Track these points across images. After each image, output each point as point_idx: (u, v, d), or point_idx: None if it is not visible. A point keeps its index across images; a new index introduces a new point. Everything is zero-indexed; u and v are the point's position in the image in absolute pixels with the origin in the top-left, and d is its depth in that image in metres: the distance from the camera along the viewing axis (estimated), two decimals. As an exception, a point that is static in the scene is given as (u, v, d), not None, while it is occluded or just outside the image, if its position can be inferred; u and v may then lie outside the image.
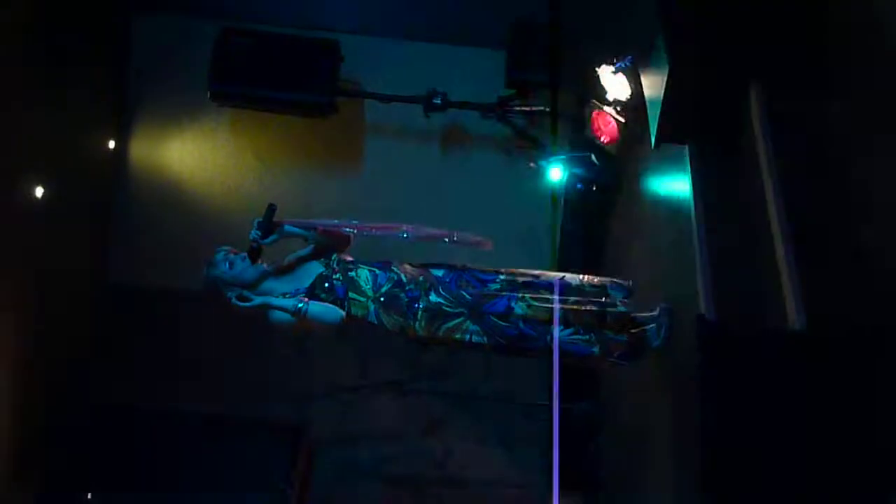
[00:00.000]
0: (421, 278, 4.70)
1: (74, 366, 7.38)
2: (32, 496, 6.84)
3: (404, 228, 4.89)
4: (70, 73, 7.11)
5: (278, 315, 4.70)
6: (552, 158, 7.01)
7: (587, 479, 6.65)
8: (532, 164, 7.05)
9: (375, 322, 4.71)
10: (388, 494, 7.15)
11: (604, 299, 4.66)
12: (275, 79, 7.13)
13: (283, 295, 4.73)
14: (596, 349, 4.60)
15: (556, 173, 6.97)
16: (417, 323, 4.64)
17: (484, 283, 4.68)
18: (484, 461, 7.20)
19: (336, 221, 4.90)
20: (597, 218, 7.34)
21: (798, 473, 3.25)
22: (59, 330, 7.12)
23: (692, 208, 4.58)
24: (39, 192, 6.79)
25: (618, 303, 4.67)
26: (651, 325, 4.76)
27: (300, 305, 4.63)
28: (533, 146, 7.42)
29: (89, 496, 7.05)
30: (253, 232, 4.71)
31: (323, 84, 7.14)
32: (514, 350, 4.71)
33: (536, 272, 4.79)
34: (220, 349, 7.53)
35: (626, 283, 4.81)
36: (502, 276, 4.72)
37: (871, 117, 3.97)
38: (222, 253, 4.81)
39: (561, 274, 4.80)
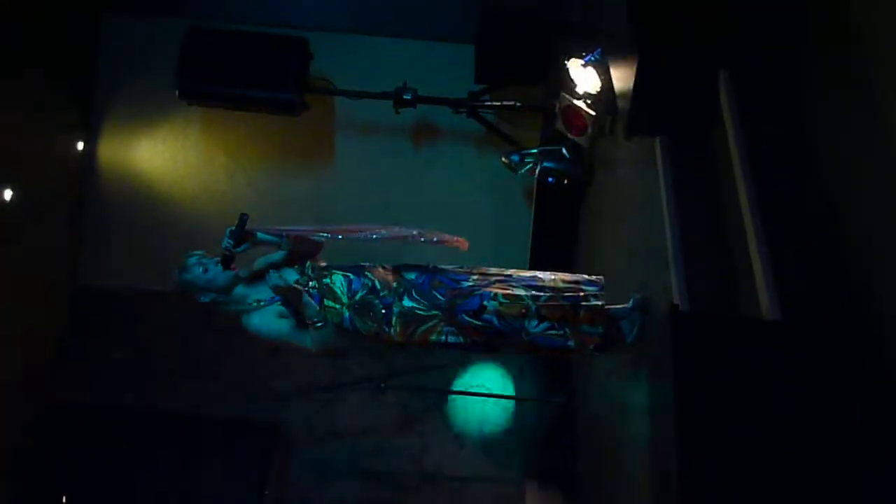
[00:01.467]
0: (395, 283, 4.68)
1: (45, 367, 7.34)
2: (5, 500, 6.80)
3: (377, 230, 4.87)
4: (38, 73, 7.07)
5: (266, 328, 4.69)
6: (523, 152, 7.02)
7: (564, 472, 6.69)
8: (503, 159, 7.06)
9: (350, 328, 4.68)
10: (365, 491, 7.14)
11: (578, 294, 4.66)
12: (244, 77, 7.08)
13: (257, 302, 4.70)
14: (571, 343, 4.59)
15: (527, 167, 6.99)
16: (392, 329, 4.62)
17: (457, 282, 4.68)
18: (461, 456, 7.21)
19: (307, 227, 4.86)
20: (569, 211, 7.36)
21: (774, 461, 3.26)
22: (30, 331, 7.08)
23: (663, 200, 4.59)
24: (7, 194, 6.74)
25: (591, 297, 4.66)
26: (624, 320, 4.79)
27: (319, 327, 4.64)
28: (504, 141, 7.43)
29: (64, 500, 7.01)
30: (225, 241, 4.63)
31: (293, 82, 7.10)
32: (490, 347, 4.71)
33: (509, 271, 4.79)
34: (194, 349, 7.51)
35: (598, 279, 4.82)
36: (475, 276, 4.72)
37: (842, 106, 3.99)
38: (195, 258, 4.75)
39: (533, 273, 4.80)
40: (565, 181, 7.02)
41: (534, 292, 4.59)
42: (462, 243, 4.87)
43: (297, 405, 7.37)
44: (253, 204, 8.14)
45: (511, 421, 7.24)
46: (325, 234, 4.78)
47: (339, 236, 4.78)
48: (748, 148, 4.30)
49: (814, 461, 3.29)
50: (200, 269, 4.68)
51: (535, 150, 7.01)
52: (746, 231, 4.07)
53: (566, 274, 4.81)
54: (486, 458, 7.09)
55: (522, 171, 7.03)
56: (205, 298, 4.73)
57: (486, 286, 4.62)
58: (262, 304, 4.71)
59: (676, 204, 4.59)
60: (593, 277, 4.79)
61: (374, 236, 4.85)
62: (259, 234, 4.71)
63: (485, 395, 7.09)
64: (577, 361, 5.20)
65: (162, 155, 8.20)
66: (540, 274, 4.75)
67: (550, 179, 7.03)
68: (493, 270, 4.76)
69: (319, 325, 4.60)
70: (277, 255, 4.78)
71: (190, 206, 8.15)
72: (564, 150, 6.85)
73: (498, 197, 8.02)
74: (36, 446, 7.07)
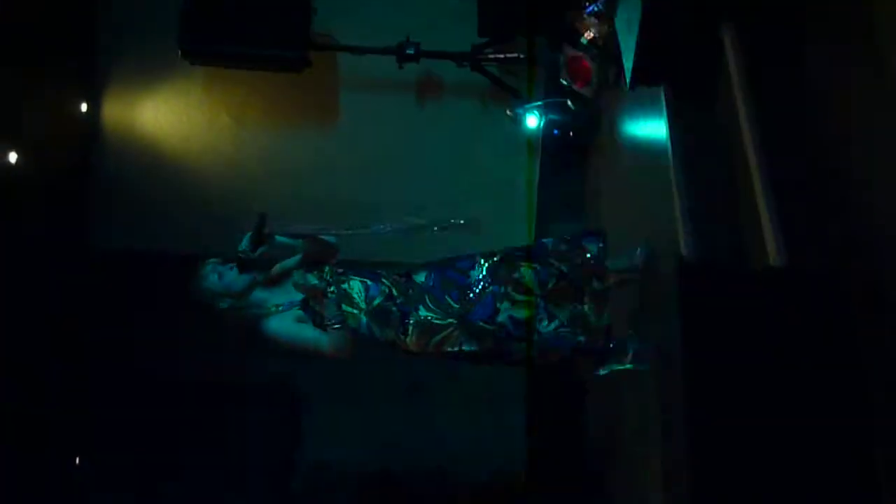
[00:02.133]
0: (410, 291, 4.72)
1: (59, 328, 7.36)
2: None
3: (388, 225, 5.02)
4: (38, 36, 7.02)
5: (285, 332, 4.72)
6: (528, 105, 6.99)
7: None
8: (508, 112, 7.03)
9: (367, 334, 4.71)
10: (371, 457, 7.17)
11: (579, 254, 4.72)
12: (246, 35, 7.03)
13: (276, 307, 4.73)
14: (581, 338, 4.64)
15: (532, 120, 6.96)
16: (409, 338, 4.67)
17: (465, 273, 4.73)
18: (466, 423, 7.22)
19: (322, 226, 4.95)
20: (574, 164, 7.34)
21: (781, 409, 3.27)
22: (39, 295, 7.09)
23: (669, 150, 4.58)
24: (13, 157, 6.73)
25: (594, 255, 4.72)
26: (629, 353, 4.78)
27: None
28: (509, 94, 7.39)
29: (77, 461, 7.08)
30: (242, 244, 4.72)
31: (295, 38, 7.05)
32: (502, 354, 4.72)
33: (510, 248, 4.84)
34: (203, 310, 7.52)
35: (599, 230, 4.83)
36: (481, 260, 4.76)
37: (847, 54, 3.97)
38: (210, 265, 4.80)
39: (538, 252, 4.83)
40: (570, 133, 7.00)
41: (539, 275, 4.66)
42: (467, 227, 5.05)
43: (306, 368, 7.37)
44: (258, 162, 8.15)
45: (517, 387, 7.24)
46: (342, 232, 4.90)
47: (350, 231, 4.92)
48: (753, 97, 4.28)
49: (822, 404, 3.30)
50: (216, 276, 4.74)
51: (539, 103, 6.98)
52: (753, 180, 4.06)
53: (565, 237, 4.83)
54: (493, 424, 7.10)
55: (527, 123, 7.00)
56: (223, 304, 4.76)
57: (495, 279, 4.67)
58: (280, 308, 4.74)
59: (682, 154, 4.57)
60: (591, 229, 4.80)
61: (387, 229, 5.03)
62: (278, 238, 4.79)
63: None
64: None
65: (165, 116, 8.16)
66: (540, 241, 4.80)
67: (555, 132, 7.01)
68: (496, 251, 4.81)
69: (337, 326, 4.63)
70: (293, 261, 4.83)
71: (195, 166, 8.13)
72: (569, 103, 6.81)
73: (503, 150, 7.98)
74: (49, 410, 7.10)
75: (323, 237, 4.89)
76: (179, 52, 7.03)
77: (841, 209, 3.86)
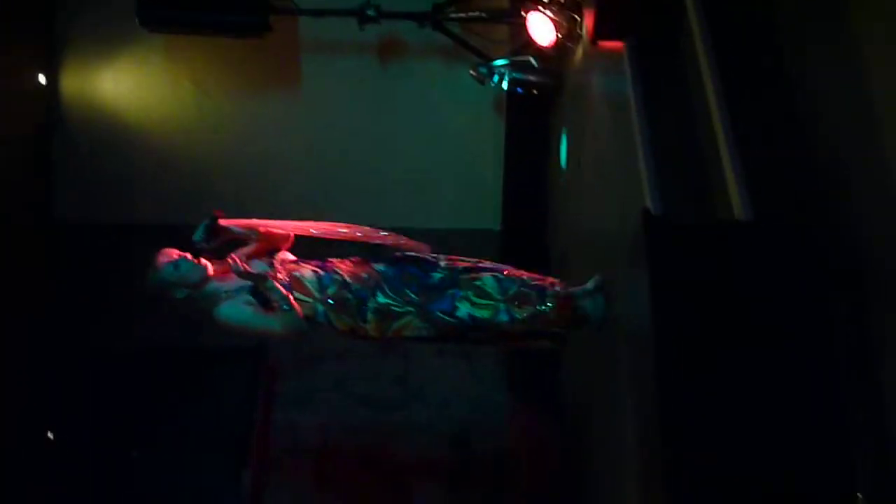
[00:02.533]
0: (365, 275, 4.79)
1: (26, 302, 7.31)
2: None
3: (346, 230, 5.04)
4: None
5: (236, 316, 4.77)
6: (491, 64, 6.96)
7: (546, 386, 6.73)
8: (472, 72, 6.99)
9: (324, 322, 4.80)
10: (350, 413, 7.18)
11: (544, 282, 4.87)
12: (205, 0, 6.97)
13: (227, 293, 4.77)
14: (537, 326, 4.83)
15: (496, 79, 6.93)
16: (368, 324, 4.76)
17: (427, 273, 4.81)
18: (444, 375, 7.23)
19: (280, 222, 4.99)
20: (540, 121, 7.32)
21: (753, 364, 3.28)
22: (4, 271, 7.04)
23: (632, 105, 4.57)
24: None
25: (555, 284, 4.87)
26: (586, 301, 4.91)
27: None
28: (472, 53, 7.34)
29: (50, 435, 7.05)
30: (197, 234, 4.75)
31: (254, 3, 6.97)
32: (463, 339, 4.90)
33: (474, 259, 4.94)
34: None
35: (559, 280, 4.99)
36: (443, 264, 4.86)
37: (810, 8, 3.97)
38: (164, 255, 4.81)
39: (500, 266, 4.95)
40: (535, 91, 6.97)
41: (502, 285, 4.78)
42: (423, 247, 5.01)
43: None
44: (222, 130, 8.10)
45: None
46: (297, 232, 4.93)
47: (313, 230, 4.95)
48: (716, 51, 4.27)
49: (791, 360, 3.31)
50: (172, 267, 4.75)
51: (503, 61, 6.94)
52: (717, 133, 4.06)
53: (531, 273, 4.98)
54: (470, 375, 7.11)
55: (492, 82, 6.97)
56: (179, 295, 4.81)
57: (456, 283, 4.78)
58: (229, 294, 4.78)
59: (646, 110, 4.56)
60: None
61: (343, 231, 5.02)
62: (232, 229, 4.84)
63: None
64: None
65: (126, 84, 8.07)
66: (506, 269, 4.92)
67: (520, 90, 6.98)
68: (461, 259, 4.92)
69: (286, 308, 4.68)
70: (246, 249, 4.90)
71: (158, 134, 8.07)
72: (533, 60, 6.79)
73: (468, 110, 7.96)
74: (18, 386, 7.06)
75: (276, 231, 4.94)
76: (137, 20, 6.93)
77: (806, 161, 3.87)
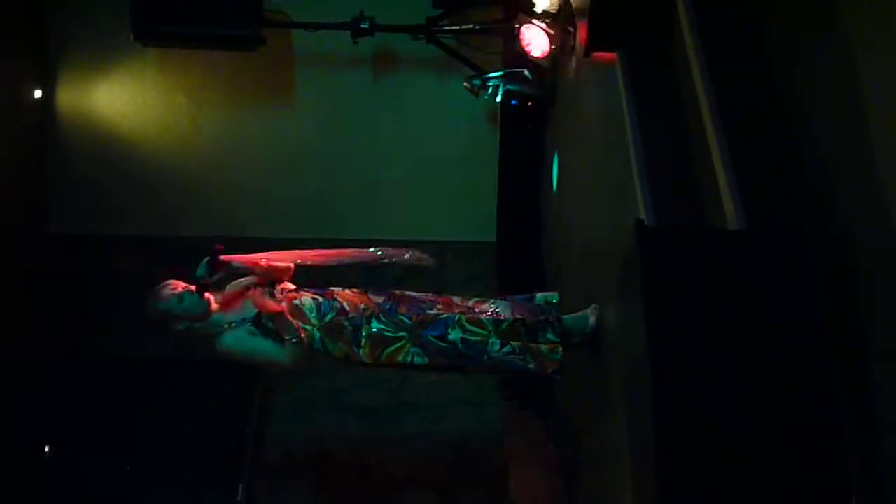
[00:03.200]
0: (363, 305, 4.87)
1: (19, 315, 7.31)
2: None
3: (345, 255, 5.12)
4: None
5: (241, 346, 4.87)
6: (485, 76, 6.98)
7: (541, 396, 6.73)
8: (466, 84, 7.01)
9: (321, 349, 4.86)
10: (345, 425, 7.18)
11: (538, 318, 4.88)
12: (199, 14, 6.96)
13: (230, 324, 4.85)
14: (531, 366, 4.83)
15: (490, 91, 6.95)
16: (361, 350, 4.81)
17: (422, 309, 4.88)
18: (439, 385, 7.23)
19: (278, 253, 5.04)
20: (534, 133, 7.34)
21: (745, 368, 3.29)
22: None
23: (626, 115, 4.58)
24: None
25: (550, 323, 4.88)
26: (580, 315, 4.98)
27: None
28: (465, 65, 7.37)
29: (46, 448, 7.03)
30: (200, 270, 4.80)
31: (248, 16, 6.99)
32: (455, 368, 4.94)
33: (471, 302, 4.98)
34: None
35: (554, 300, 5.02)
36: (439, 306, 4.92)
37: (803, 16, 3.98)
38: (168, 288, 4.87)
39: (495, 301, 5.00)
40: (529, 103, 6.99)
41: (495, 318, 4.84)
42: (423, 259, 5.17)
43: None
44: (216, 142, 8.11)
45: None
46: (296, 262, 4.99)
47: (308, 262, 5.03)
48: (708, 61, 4.29)
49: (783, 367, 3.31)
50: (176, 300, 4.81)
51: (497, 74, 6.96)
52: (710, 144, 4.07)
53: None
54: (465, 384, 7.11)
55: (486, 95, 6.99)
56: (181, 326, 4.87)
57: (449, 310, 4.86)
58: (233, 325, 4.86)
59: (639, 120, 4.57)
60: (549, 295, 5.04)
61: (345, 262, 5.10)
62: (234, 265, 4.90)
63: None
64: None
65: (121, 99, 8.10)
66: (501, 304, 4.98)
67: (514, 102, 7.00)
68: (457, 300, 4.99)
69: (294, 341, 4.79)
70: (247, 281, 4.95)
71: (153, 148, 8.10)
72: (526, 72, 6.81)
73: (462, 123, 7.98)
74: (11, 399, 7.05)
75: (278, 264, 5.00)
76: (132, 35, 6.96)
77: (799, 167, 3.88)
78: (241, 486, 6.92)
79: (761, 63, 4.21)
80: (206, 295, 4.81)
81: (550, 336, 4.86)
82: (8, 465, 6.82)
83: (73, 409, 7.09)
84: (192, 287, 4.81)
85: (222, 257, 4.86)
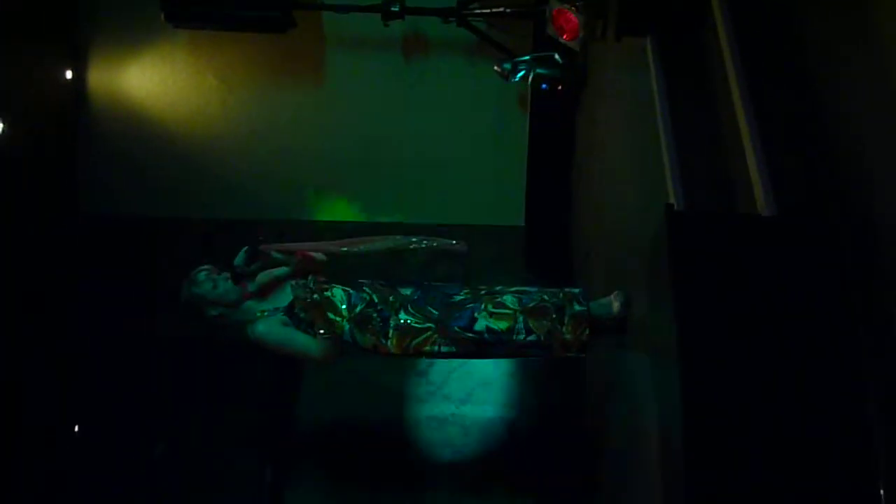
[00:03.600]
0: (391, 298, 4.93)
1: (52, 297, 7.36)
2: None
3: (378, 240, 5.22)
4: (20, 4, 6.97)
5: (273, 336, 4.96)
6: (516, 60, 6.96)
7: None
8: (496, 67, 7.00)
9: (350, 341, 4.96)
10: (374, 407, 7.19)
11: (561, 298, 4.92)
12: (229, -4, 7.01)
13: (262, 312, 4.95)
14: (555, 350, 4.90)
15: (520, 75, 6.93)
16: (389, 341, 4.89)
17: (449, 296, 4.96)
18: (466, 369, 7.23)
19: (313, 244, 5.18)
20: (564, 117, 7.32)
21: (773, 355, 3.27)
22: (31, 263, 7.09)
23: (657, 102, 4.56)
24: (-1, 127, 6.73)
25: (574, 301, 4.92)
26: (604, 301, 5.01)
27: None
28: (496, 49, 7.35)
29: (76, 428, 7.09)
30: (238, 258, 4.95)
31: (278, -2, 7.03)
32: (480, 354, 4.99)
33: (498, 287, 5.03)
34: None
35: (579, 290, 5.04)
36: (466, 291, 4.98)
37: (834, 2, 3.94)
38: (204, 273, 4.98)
39: (520, 287, 5.05)
40: (559, 87, 6.97)
41: (521, 300, 4.89)
42: (460, 248, 5.26)
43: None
44: (245, 124, 8.12)
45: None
46: (338, 248, 5.15)
47: (344, 248, 5.15)
48: (740, 46, 4.25)
49: (812, 354, 3.29)
50: (210, 285, 4.94)
51: (527, 57, 6.95)
52: (741, 129, 4.04)
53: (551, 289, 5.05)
54: (494, 370, 7.10)
55: (516, 78, 6.97)
56: (213, 312, 4.97)
57: (477, 299, 4.92)
58: (265, 314, 4.97)
59: (670, 105, 4.55)
60: (575, 290, 5.03)
61: (377, 247, 5.20)
62: (273, 254, 5.04)
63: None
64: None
65: (151, 80, 8.12)
66: (526, 288, 5.04)
67: (544, 86, 6.98)
68: (483, 287, 5.03)
69: (327, 336, 4.90)
70: (281, 271, 5.08)
71: (183, 130, 8.12)
72: (557, 56, 6.79)
73: (492, 106, 7.96)
74: (45, 381, 7.10)
75: (313, 255, 5.10)
76: (163, 16, 6.99)
77: (830, 154, 3.84)
78: (267, 468, 6.95)
79: (795, 48, 4.16)
80: (241, 283, 4.91)
81: (577, 307, 4.90)
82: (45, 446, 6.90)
83: (102, 388, 7.14)
84: (228, 274, 4.90)
85: (262, 247, 4.97)
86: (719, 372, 3.26)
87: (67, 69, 7.91)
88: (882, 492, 3.12)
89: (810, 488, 3.14)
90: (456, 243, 5.26)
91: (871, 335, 3.34)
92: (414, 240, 5.22)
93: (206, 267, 5.01)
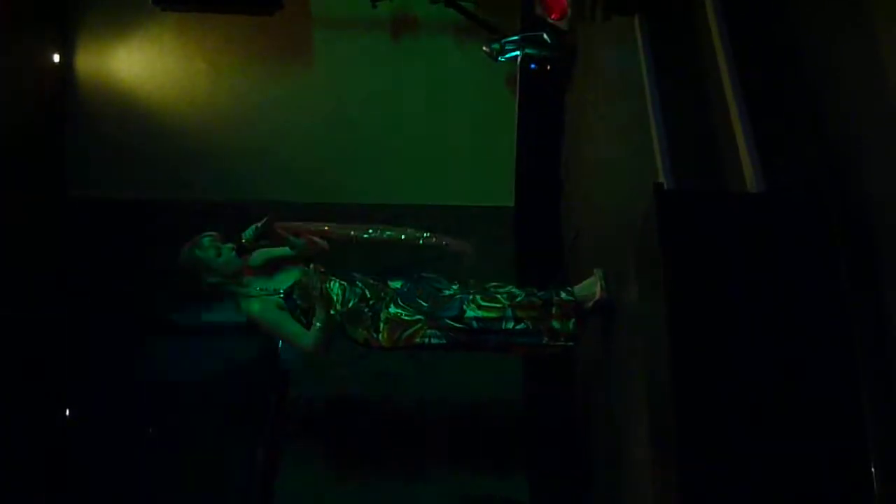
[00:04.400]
0: (382, 294, 4.98)
1: (41, 281, 7.34)
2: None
3: (378, 228, 5.20)
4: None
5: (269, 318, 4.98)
6: (504, 40, 6.94)
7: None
8: (484, 48, 6.98)
9: (342, 334, 5.02)
10: (364, 388, 7.20)
11: (548, 291, 4.98)
12: (216, -22, 7.00)
13: (261, 289, 4.95)
14: (545, 339, 4.94)
15: (509, 55, 6.91)
16: (380, 335, 4.93)
17: (439, 290, 5.00)
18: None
19: (318, 224, 5.13)
20: (554, 97, 7.30)
21: (763, 332, 3.28)
22: (21, 247, 7.07)
23: (645, 80, 4.55)
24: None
25: (562, 292, 4.98)
26: (587, 282, 5.06)
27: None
28: (484, 29, 7.33)
29: (67, 413, 7.09)
30: (247, 234, 4.92)
31: (266, -21, 7.01)
32: (471, 346, 5.02)
33: (489, 284, 5.07)
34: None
35: (568, 286, 5.10)
36: (455, 286, 5.03)
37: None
38: (209, 239, 4.96)
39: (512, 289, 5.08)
40: (548, 67, 6.95)
41: (510, 294, 4.95)
42: (465, 248, 5.27)
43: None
44: (234, 106, 8.11)
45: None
46: (339, 233, 5.12)
47: (352, 232, 5.13)
48: (728, 24, 4.25)
49: (803, 332, 3.30)
50: (214, 252, 4.92)
51: (515, 37, 6.93)
52: (730, 107, 4.04)
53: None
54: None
55: (504, 58, 6.96)
56: (211, 279, 4.95)
57: (466, 290, 4.98)
58: (263, 292, 4.96)
59: (659, 84, 4.55)
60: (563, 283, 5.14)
61: (387, 236, 5.20)
62: (281, 234, 5.01)
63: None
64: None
65: (139, 63, 8.11)
66: (515, 290, 5.06)
67: (533, 66, 6.97)
68: (473, 281, 5.08)
69: (320, 326, 4.91)
70: (282, 251, 5.06)
71: (171, 113, 8.10)
72: (545, 36, 6.77)
73: (481, 87, 7.95)
74: (35, 365, 7.09)
75: (319, 241, 5.09)
76: (151, -1, 6.97)
77: (820, 130, 3.84)
78: (259, 450, 6.96)
79: (784, 25, 4.16)
80: (243, 256, 4.91)
81: (564, 296, 4.96)
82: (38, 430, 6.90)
83: (98, 371, 7.14)
84: (233, 245, 4.90)
85: (276, 224, 4.97)
86: (710, 350, 3.26)
87: (55, 52, 7.89)
88: (874, 469, 3.14)
89: (801, 462, 3.15)
90: (462, 245, 5.28)
91: (862, 310, 3.34)
92: (425, 235, 5.23)
93: (211, 233, 5.00)
